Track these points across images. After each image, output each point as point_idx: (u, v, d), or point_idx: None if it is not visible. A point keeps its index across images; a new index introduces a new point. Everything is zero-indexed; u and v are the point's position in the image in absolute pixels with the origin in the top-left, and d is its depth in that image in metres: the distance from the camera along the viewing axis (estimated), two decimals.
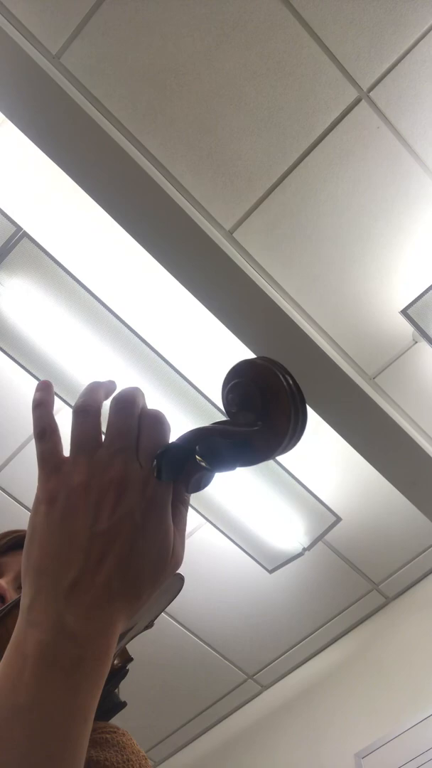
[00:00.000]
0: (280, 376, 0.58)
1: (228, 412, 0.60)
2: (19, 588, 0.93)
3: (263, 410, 0.58)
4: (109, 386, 0.59)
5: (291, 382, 0.58)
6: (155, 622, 0.75)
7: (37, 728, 0.45)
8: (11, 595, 0.92)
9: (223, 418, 0.61)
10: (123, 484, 0.52)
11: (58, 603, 0.49)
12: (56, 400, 2.90)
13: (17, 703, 0.46)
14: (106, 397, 0.59)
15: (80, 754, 0.46)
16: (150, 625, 0.75)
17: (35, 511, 0.54)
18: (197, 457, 0.55)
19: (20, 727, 0.45)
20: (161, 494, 0.53)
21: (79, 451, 0.55)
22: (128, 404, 0.56)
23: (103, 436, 0.56)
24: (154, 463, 0.53)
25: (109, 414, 0.56)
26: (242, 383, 0.60)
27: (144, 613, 0.58)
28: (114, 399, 0.57)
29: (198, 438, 0.55)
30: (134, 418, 0.56)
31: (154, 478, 0.53)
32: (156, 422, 0.56)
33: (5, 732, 0.45)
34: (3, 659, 0.49)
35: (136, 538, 0.51)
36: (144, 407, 0.57)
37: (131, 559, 0.51)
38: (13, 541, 1.01)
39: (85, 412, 0.57)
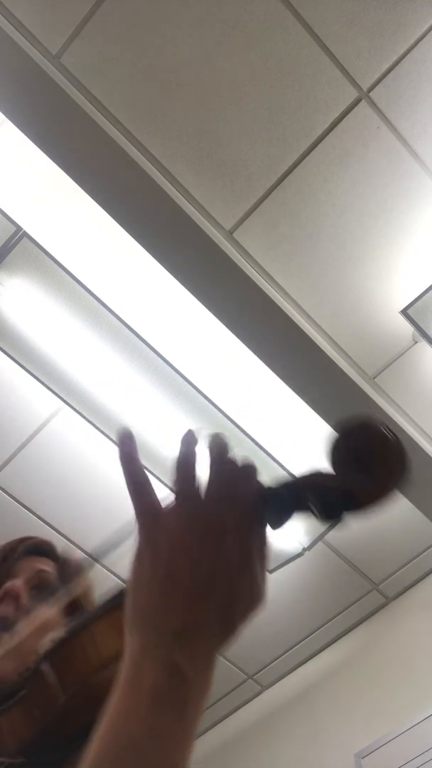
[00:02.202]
0: (392, 441, 0.61)
1: (337, 467, 0.61)
2: (32, 590, 0.95)
3: (372, 470, 0.60)
4: (199, 436, 0.63)
5: (400, 447, 0.61)
6: None
7: (150, 756, 0.51)
8: (26, 598, 0.93)
9: (319, 468, 0.62)
10: (222, 532, 0.56)
11: (167, 646, 0.53)
12: (56, 399, 2.91)
13: (133, 732, 0.51)
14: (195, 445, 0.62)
15: None
16: None
17: (138, 560, 0.57)
18: (310, 507, 0.57)
19: (135, 754, 0.51)
20: (257, 540, 0.57)
21: (179, 501, 0.58)
22: (223, 454, 0.60)
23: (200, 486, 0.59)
24: (259, 511, 0.56)
25: (208, 464, 0.59)
26: (352, 443, 0.61)
27: None
28: (209, 449, 0.60)
29: (307, 487, 0.57)
30: (229, 468, 0.59)
31: (250, 524, 0.55)
32: (250, 471, 0.59)
33: (121, 758, 0.50)
34: (117, 694, 0.54)
35: (235, 583, 0.55)
36: (234, 456, 0.60)
37: (231, 603, 0.55)
38: (30, 547, 1.03)
39: (185, 464, 0.60)
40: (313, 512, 0.58)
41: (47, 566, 1.00)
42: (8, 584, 0.94)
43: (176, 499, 0.58)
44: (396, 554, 3.34)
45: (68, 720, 0.70)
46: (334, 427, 0.61)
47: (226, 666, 3.56)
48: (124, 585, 0.63)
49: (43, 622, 0.92)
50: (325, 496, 0.58)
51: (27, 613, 0.92)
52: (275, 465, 3.05)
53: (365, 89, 2.34)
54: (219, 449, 0.60)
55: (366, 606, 3.50)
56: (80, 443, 3.03)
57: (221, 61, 2.27)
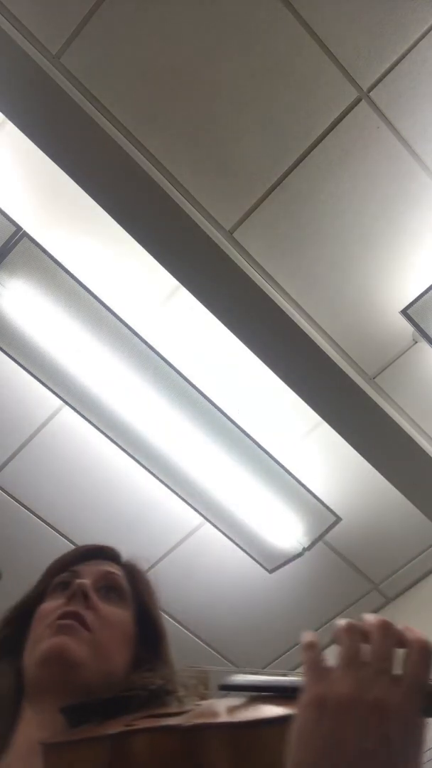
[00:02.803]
0: None
1: None
2: (100, 590, 0.95)
3: None
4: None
5: None
6: None
7: None
8: (94, 597, 0.93)
9: None
10: (387, 707, 0.56)
11: None
12: (55, 399, 2.91)
13: None
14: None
15: None
16: None
17: (305, 714, 0.58)
18: None
19: None
20: (419, 725, 0.56)
21: (346, 664, 0.58)
22: (393, 629, 0.60)
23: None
24: (423, 704, 0.55)
25: (375, 636, 0.60)
26: None
27: None
28: (381, 621, 0.60)
29: None
30: (398, 644, 0.59)
31: (414, 711, 0.55)
32: (424, 653, 0.58)
33: None
34: None
35: (395, 763, 0.54)
36: (409, 634, 0.60)
37: None
38: (94, 551, 1.04)
39: (354, 631, 0.60)
40: None
41: (114, 569, 0.99)
42: (77, 582, 0.94)
43: (341, 661, 0.59)
44: (396, 554, 3.34)
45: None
46: None
47: (226, 666, 3.57)
48: (297, 682, 0.64)
49: (117, 623, 0.93)
50: None
51: (97, 610, 0.92)
52: (275, 465, 3.05)
53: (365, 89, 2.34)
54: (391, 624, 0.61)
55: (366, 606, 3.49)
56: (80, 443, 3.03)
57: (221, 61, 2.27)
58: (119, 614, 0.94)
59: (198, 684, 0.85)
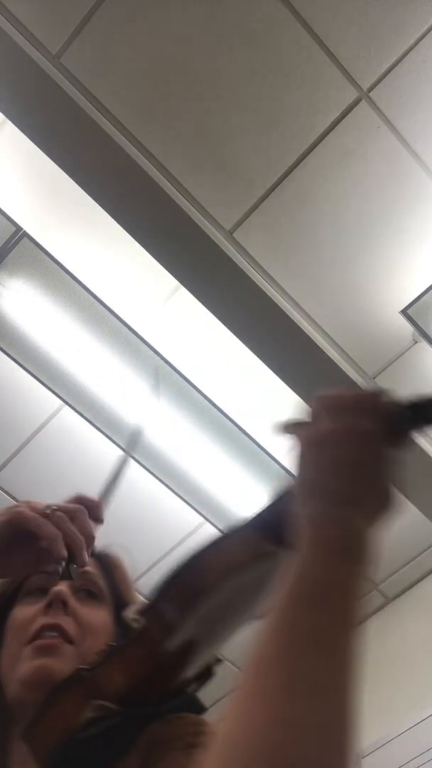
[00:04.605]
0: None
1: None
2: (77, 593, 0.92)
3: None
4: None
5: None
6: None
7: (340, 600, 0.60)
8: (73, 601, 0.90)
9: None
10: (367, 431, 0.68)
11: (340, 506, 0.64)
12: (55, 399, 2.91)
13: (327, 581, 0.60)
14: None
15: (358, 627, 0.61)
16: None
17: (303, 451, 0.68)
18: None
19: (320, 599, 0.59)
20: (390, 448, 0.69)
21: (332, 413, 0.70)
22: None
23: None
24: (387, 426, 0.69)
25: (347, 400, 0.72)
26: None
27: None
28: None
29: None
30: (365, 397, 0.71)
31: (389, 436, 0.68)
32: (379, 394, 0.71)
33: (319, 602, 0.59)
34: (303, 552, 0.62)
35: (377, 472, 0.67)
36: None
37: (376, 483, 0.66)
38: None
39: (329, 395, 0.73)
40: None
41: (88, 566, 0.94)
42: (54, 590, 0.90)
43: (327, 414, 0.70)
44: (396, 554, 3.34)
45: (163, 676, 0.74)
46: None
47: (226, 666, 3.56)
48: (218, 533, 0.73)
49: (98, 627, 0.90)
50: None
51: (77, 617, 0.89)
52: (275, 464, 3.05)
53: (365, 89, 2.34)
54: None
55: (366, 606, 3.49)
56: (80, 443, 3.03)
57: (221, 61, 2.27)
58: (99, 616, 0.91)
59: None
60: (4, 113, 2.28)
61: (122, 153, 2.32)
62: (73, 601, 0.90)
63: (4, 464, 3.07)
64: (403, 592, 3.46)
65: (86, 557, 0.86)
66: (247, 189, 2.48)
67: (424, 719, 2.84)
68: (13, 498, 3.14)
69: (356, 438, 0.68)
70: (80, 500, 0.94)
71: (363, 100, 2.35)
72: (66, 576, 0.82)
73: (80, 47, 2.24)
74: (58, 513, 0.90)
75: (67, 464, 3.06)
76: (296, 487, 0.69)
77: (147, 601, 0.78)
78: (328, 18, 2.22)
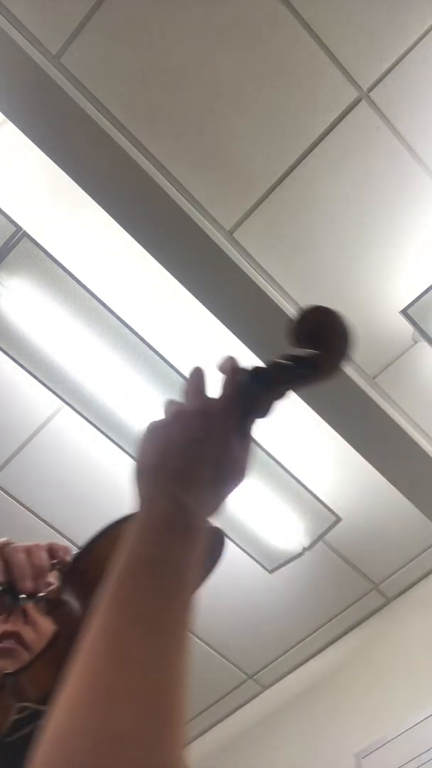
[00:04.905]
0: (333, 318, 0.74)
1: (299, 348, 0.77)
2: (36, 604, 0.97)
3: (324, 344, 0.76)
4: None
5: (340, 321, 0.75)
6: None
7: (167, 574, 0.61)
8: (32, 609, 0.98)
9: None
10: (206, 416, 0.73)
11: (170, 484, 0.67)
12: (56, 399, 2.91)
13: (153, 555, 0.61)
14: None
15: (193, 600, 0.61)
16: None
17: (145, 437, 0.73)
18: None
19: (149, 573, 0.60)
20: (234, 422, 0.75)
21: (183, 394, 0.77)
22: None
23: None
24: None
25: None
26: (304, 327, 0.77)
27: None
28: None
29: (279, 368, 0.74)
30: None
31: (231, 410, 0.74)
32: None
33: (145, 577, 0.60)
34: (133, 530, 0.64)
35: (220, 447, 0.71)
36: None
37: (219, 459, 0.71)
38: None
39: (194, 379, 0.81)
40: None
41: (45, 588, 1.01)
42: None
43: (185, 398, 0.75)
44: (396, 554, 3.34)
45: None
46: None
47: (226, 666, 3.56)
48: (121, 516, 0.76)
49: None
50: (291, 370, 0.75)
51: (36, 626, 0.97)
52: (274, 464, 3.05)
53: (365, 89, 2.34)
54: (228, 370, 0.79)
55: (366, 606, 3.50)
56: (80, 443, 3.03)
57: (221, 61, 2.27)
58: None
59: None
60: (4, 113, 2.28)
61: (122, 153, 2.32)
62: (33, 612, 0.98)
63: (4, 464, 3.07)
64: (403, 592, 3.46)
65: (29, 585, 0.91)
66: (247, 189, 2.48)
67: (424, 719, 2.84)
68: (13, 498, 3.14)
69: (191, 416, 0.73)
70: (48, 545, 1.01)
71: (363, 100, 2.35)
72: (4, 600, 0.89)
73: (80, 47, 2.24)
74: (11, 546, 0.96)
75: (67, 464, 3.06)
76: (134, 467, 0.72)
77: (54, 600, 0.85)
78: (328, 18, 2.22)
